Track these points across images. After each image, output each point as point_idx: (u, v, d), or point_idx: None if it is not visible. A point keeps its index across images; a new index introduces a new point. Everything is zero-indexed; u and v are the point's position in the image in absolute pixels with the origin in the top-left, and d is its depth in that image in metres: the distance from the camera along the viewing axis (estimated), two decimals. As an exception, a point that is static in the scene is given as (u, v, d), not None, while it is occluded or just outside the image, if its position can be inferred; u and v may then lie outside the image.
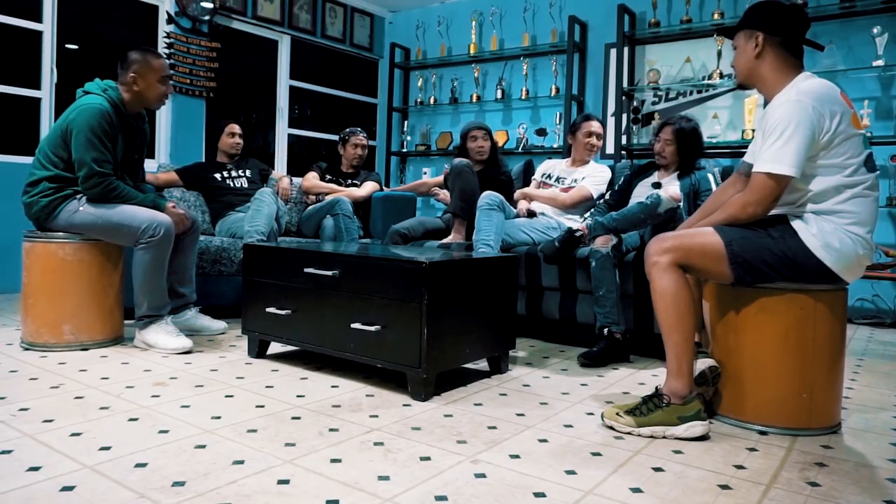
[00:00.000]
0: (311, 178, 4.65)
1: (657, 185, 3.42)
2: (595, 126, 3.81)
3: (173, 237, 3.03)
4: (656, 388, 2.11)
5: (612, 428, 2.08)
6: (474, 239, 3.35)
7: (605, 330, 3.02)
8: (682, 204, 3.29)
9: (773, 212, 2.10)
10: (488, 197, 3.43)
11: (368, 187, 4.63)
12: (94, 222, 2.92)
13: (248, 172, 4.39)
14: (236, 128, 4.40)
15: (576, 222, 3.59)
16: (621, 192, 3.56)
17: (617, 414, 2.08)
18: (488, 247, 3.27)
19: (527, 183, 4.15)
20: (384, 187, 4.93)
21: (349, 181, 4.70)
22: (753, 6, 2.18)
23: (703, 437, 2.02)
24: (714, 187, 3.28)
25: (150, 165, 5.15)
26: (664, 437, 2.02)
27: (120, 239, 2.99)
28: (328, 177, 4.70)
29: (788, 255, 2.02)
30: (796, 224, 2.05)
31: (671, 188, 3.14)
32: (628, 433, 2.04)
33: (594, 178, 3.73)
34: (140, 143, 3.17)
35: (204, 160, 5.51)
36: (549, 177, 3.89)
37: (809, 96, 1.99)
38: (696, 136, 3.37)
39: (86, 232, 2.94)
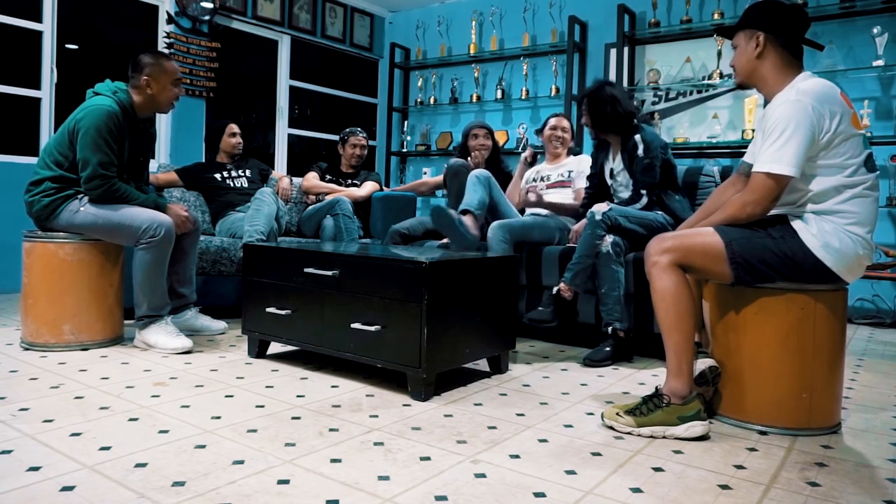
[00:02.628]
0: (311, 178, 4.64)
1: (613, 174, 3.37)
2: (555, 121, 3.87)
3: (174, 237, 3.03)
4: (656, 388, 2.11)
5: (612, 428, 2.08)
6: (464, 202, 3.37)
7: (609, 328, 3.02)
8: (620, 177, 3.26)
9: (773, 212, 2.10)
10: (477, 173, 3.45)
11: (368, 187, 4.63)
12: (95, 222, 2.91)
13: (248, 172, 4.38)
14: (236, 127, 4.40)
15: (567, 231, 3.60)
16: (594, 175, 3.52)
17: (617, 414, 2.08)
18: (470, 206, 3.30)
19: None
20: (384, 187, 4.93)
21: (349, 181, 4.70)
22: (753, 5, 2.17)
23: (703, 437, 2.02)
24: (640, 154, 3.14)
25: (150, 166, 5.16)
26: (664, 438, 2.02)
27: (121, 239, 2.99)
28: (328, 177, 4.70)
29: (788, 255, 2.02)
30: (796, 224, 2.05)
31: (598, 205, 3.10)
32: (628, 433, 2.04)
33: (583, 173, 3.70)
34: (146, 146, 3.17)
35: (203, 160, 5.51)
36: (535, 179, 3.91)
37: (809, 96, 1.99)
38: (601, 94, 3.19)
39: (87, 232, 2.94)
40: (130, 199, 2.97)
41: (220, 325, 3.44)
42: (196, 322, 3.36)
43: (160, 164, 4.36)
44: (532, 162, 4.01)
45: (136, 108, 3.02)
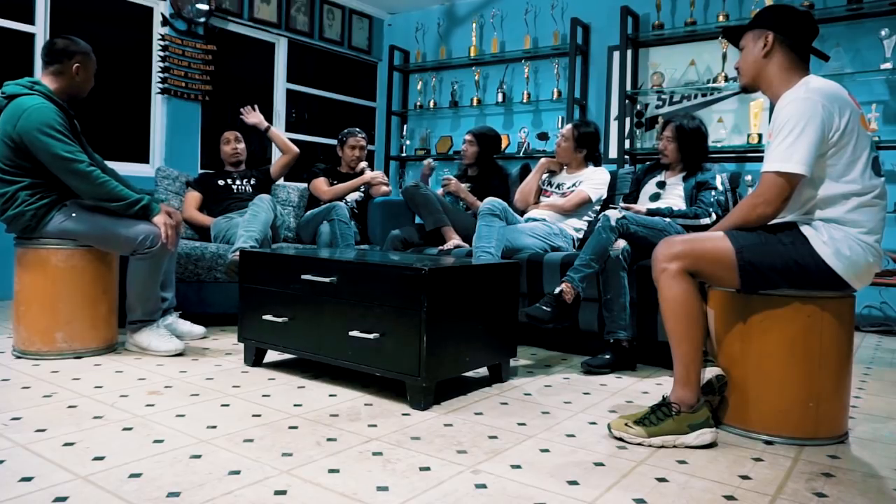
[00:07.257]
0: (324, 184, 4.55)
1: (661, 185, 3.43)
2: (562, 129, 3.95)
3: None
4: (663, 396, 2.08)
5: (620, 439, 2.04)
6: (474, 246, 3.33)
7: (612, 339, 3.00)
8: (682, 206, 3.29)
9: (782, 218, 2.07)
10: (490, 203, 3.41)
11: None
12: (90, 231, 2.87)
13: (252, 180, 4.36)
14: (230, 135, 4.37)
15: (567, 236, 3.61)
16: (629, 195, 3.58)
17: (626, 424, 2.04)
18: (489, 254, 3.24)
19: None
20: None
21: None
22: (764, 9, 2.17)
23: (711, 445, 2.00)
24: (720, 187, 3.27)
25: (145, 170, 5.14)
26: (674, 447, 1.98)
27: (116, 249, 2.96)
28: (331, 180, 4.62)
29: (799, 262, 1.99)
30: (807, 231, 2.02)
31: (611, 210, 3.10)
32: (638, 444, 2.01)
33: (592, 181, 3.72)
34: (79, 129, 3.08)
35: (199, 167, 5.51)
36: (550, 183, 3.90)
37: (819, 94, 1.97)
38: (697, 135, 3.37)
39: (81, 238, 2.88)
40: (121, 197, 2.87)
41: (200, 329, 3.42)
42: (177, 327, 3.33)
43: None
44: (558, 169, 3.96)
45: (58, 95, 2.93)
